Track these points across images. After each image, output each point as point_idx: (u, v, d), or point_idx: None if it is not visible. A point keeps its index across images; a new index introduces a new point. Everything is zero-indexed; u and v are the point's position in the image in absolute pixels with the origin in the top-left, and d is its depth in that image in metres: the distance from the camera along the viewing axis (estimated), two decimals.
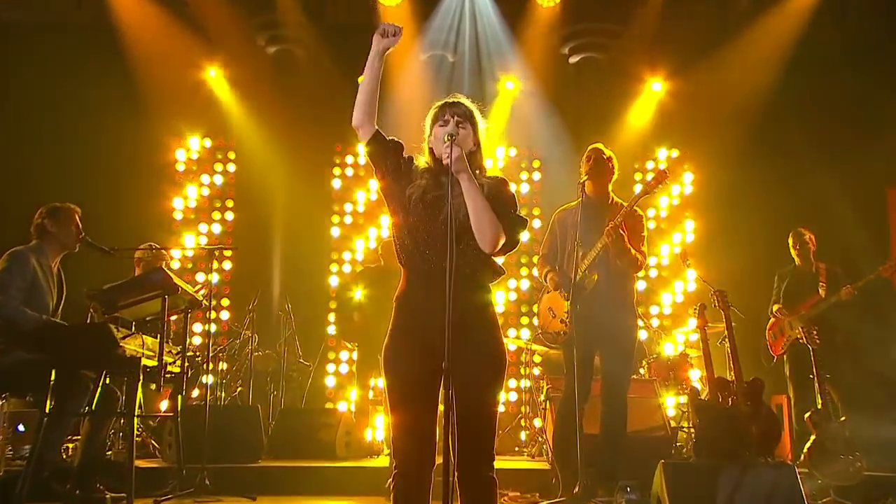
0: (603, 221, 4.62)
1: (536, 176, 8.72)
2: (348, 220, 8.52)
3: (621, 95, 8.39)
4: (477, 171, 2.74)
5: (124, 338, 4.32)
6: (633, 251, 4.57)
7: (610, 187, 4.81)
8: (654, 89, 8.56)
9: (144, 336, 4.49)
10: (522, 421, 7.27)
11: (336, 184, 8.56)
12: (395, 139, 2.75)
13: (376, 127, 2.69)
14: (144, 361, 4.38)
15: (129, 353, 4.31)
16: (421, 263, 2.66)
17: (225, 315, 8.19)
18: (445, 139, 2.59)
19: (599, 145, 4.88)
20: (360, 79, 2.75)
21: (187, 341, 4.87)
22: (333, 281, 8.37)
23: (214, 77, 8.44)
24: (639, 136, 8.44)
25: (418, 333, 2.62)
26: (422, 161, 2.75)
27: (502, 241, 2.65)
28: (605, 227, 4.50)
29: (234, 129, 8.35)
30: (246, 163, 8.34)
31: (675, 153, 8.67)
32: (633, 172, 8.43)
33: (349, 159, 8.67)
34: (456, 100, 2.78)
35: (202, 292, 5.32)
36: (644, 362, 6.69)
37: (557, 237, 4.79)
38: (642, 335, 6.73)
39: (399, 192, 2.72)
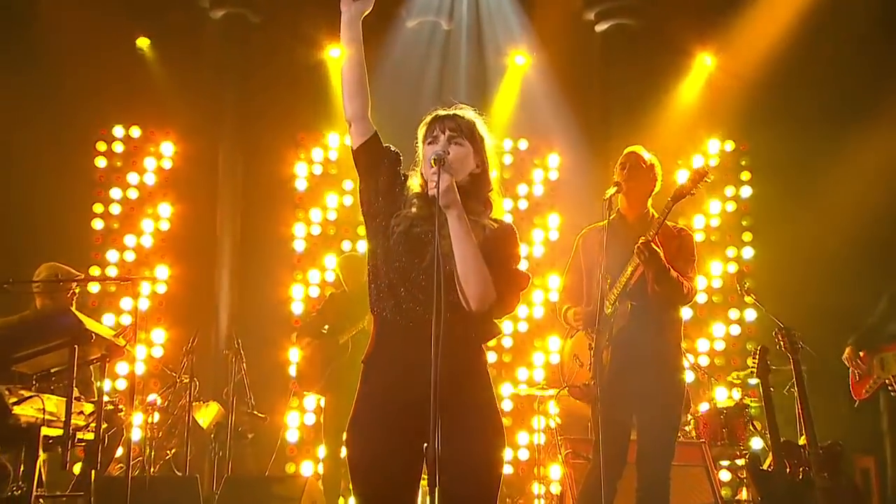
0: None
1: (553, 175, 8.70)
2: (316, 230, 8.52)
3: (661, 73, 8.41)
4: (480, 207, 2.76)
5: (20, 402, 4.27)
6: (674, 274, 4.53)
7: (650, 202, 4.76)
8: (704, 64, 8.58)
9: (47, 396, 4.42)
10: (536, 484, 7.02)
11: (300, 185, 8.56)
12: (393, 149, 2.80)
13: (374, 128, 2.75)
14: (46, 430, 4.34)
15: (24, 421, 4.28)
16: (399, 316, 2.68)
17: (158, 351, 8.12)
18: (432, 163, 2.61)
19: (638, 148, 4.81)
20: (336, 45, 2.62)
21: (104, 398, 4.80)
22: (296, 308, 8.30)
23: (146, 51, 8.43)
24: (683, 124, 8.47)
25: (393, 408, 2.63)
26: (415, 183, 2.77)
27: (491, 301, 2.67)
28: (636, 245, 4.48)
29: (171, 114, 8.36)
30: (186, 158, 8.39)
31: (729, 145, 8.67)
32: (675, 170, 8.34)
33: (316, 153, 8.61)
34: (450, 112, 2.81)
35: (132, 328, 5.28)
36: (689, 417, 6.52)
37: (582, 265, 4.79)
38: (688, 376, 6.55)
39: (384, 218, 2.75)
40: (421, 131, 2.82)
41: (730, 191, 8.64)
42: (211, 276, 8.09)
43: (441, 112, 2.83)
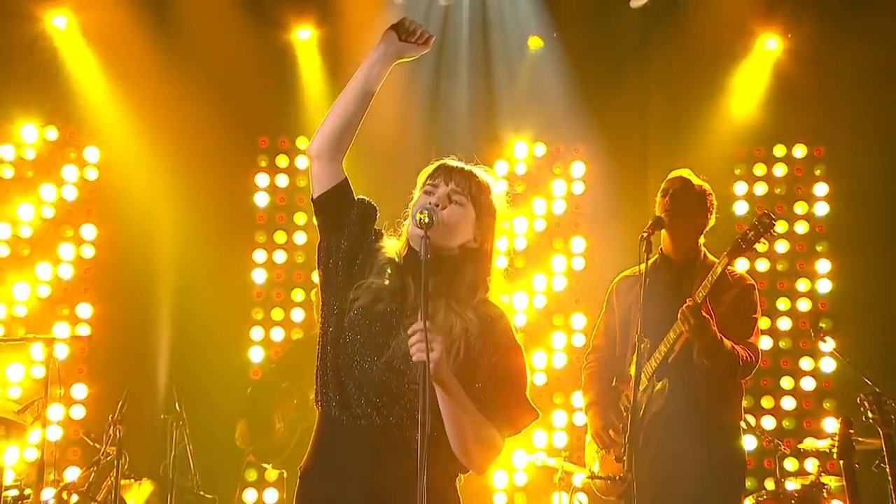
0: (689, 295, 4.63)
1: (578, 188, 8.57)
2: (280, 256, 8.45)
3: (714, 59, 8.34)
4: (464, 291, 2.75)
5: None
6: (728, 345, 4.54)
7: (702, 240, 4.84)
8: (768, 48, 8.48)
9: None
10: None
11: (261, 199, 8.49)
12: (367, 200, 2.84)
13: (345, 174, 2.79)
14: None
15: None
16: (347, 417, 2.67)
17: (78, 411, 8.03)
18: (418, 217, 2.62)
19: (685, 172, 4.90)
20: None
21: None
22: (255, 355, 8.22)
23: (63, 30, 8.33)
24: (742, 123, 8.39)
25: None
26: (389, 244, 2.80)
27: (496, 457, 2.75)
28: (681, 310, 4.54)
29: (95, 111, 8.31)
30: (114, 166, 8.32)
31: (799, 150, 8.56)
32: (732, 183, 8.32)
33: (281, 161, 8.59)
34: (462, 165, 2.83)
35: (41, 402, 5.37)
36: (753, 501, 6.36)
37: (616, 324, 4.89)
38: (747, 443, 6.56)
39: (342, 287, 2.76)
40: (421, 178, 2.86)
41: (800, 208, 8.54)
42: (146, 316, 8.07)
43: (451, 162, 2.87)
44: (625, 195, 7.96)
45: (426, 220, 2.62)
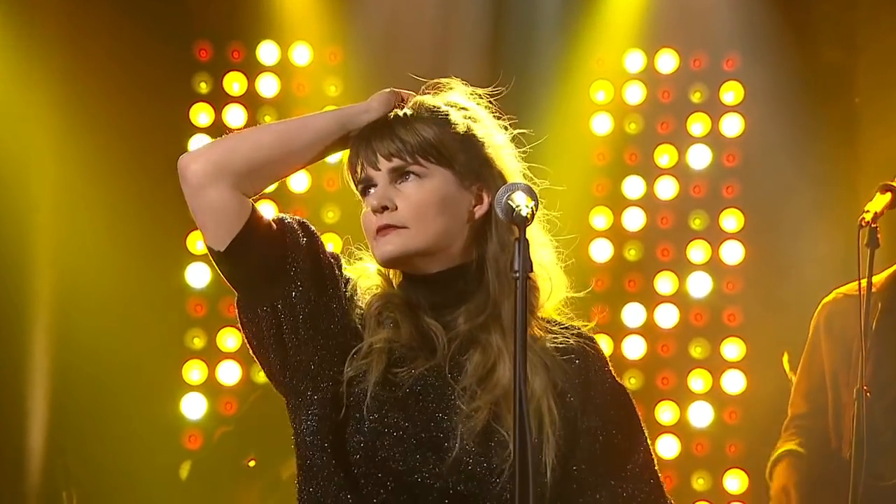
0: None
1: (732, 126, 6.46)
2: None
3: None
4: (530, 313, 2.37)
5: None
6: None
7: None
8: None
9: None
10: None
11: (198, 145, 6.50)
12: (302, 221, 2.46)
13: (249, 199, 2.42)
14: None
15: None
16: None
17: None
18: (510, 206, 2.15)
19: None
20: None
21: None
22: (193, 408, 6.53)
23: None
24: None
25: None
26: (366, 274, 2.44)
27: None
28: None
29: None
30: None
31: None
32: None
33: (233, 84, 6.77)
34: (379, 135, 2.40)
35: None
36: None
37: (825, 364, 4.39)
38: None
39: (321, 364, 2.37)
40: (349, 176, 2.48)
41: None
42: (9, 345, 6.42)
43: (364, 136, 2.40)
44: (816, 148, 6.21)
45: (522, 209, 2.05)
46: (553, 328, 2.34)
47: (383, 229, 2.25)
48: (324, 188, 6.34)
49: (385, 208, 2.27)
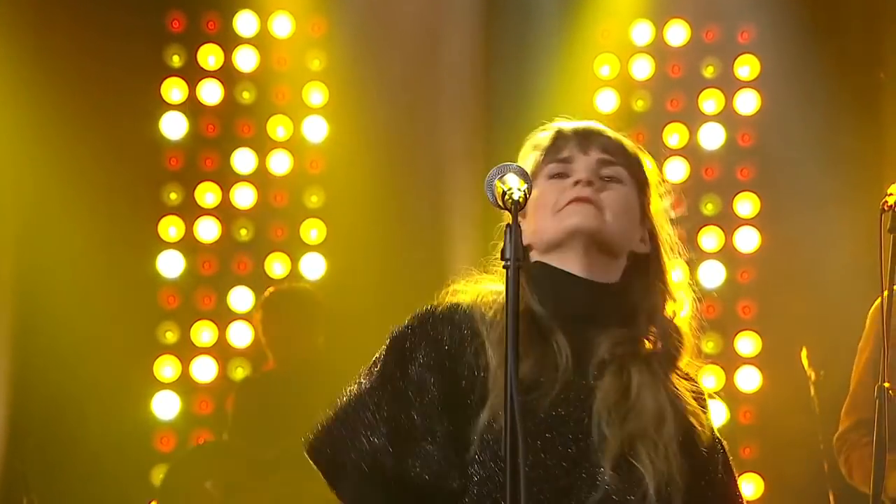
0: None
1: (746, 104, 6.40)
2: (209, 228, 6.83)
3: None
4: (653, 337, 2.30)
5: None
6: None
7: None
8: None
9: None
10: None
11: (173, 126, 6.57)
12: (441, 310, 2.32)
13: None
14: None
15: None
16: None
17: None
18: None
19: None
20: None
21: None
22: (165, 407, 6.37)
23: None
24: None
25: None
26: (486, 299, 2.31)
27: None
28: None
29: None
30: None
31: None
32: None
33: (209, 58, 6.60)
34: (590, 126, 2.37)
35: None
36: None
37: (872, 374, 4.12)
38: None
39: (464, 422, 2.24)
40: (528, 158, 2.33)
41: None
42: None
43: (570, 125, 2.34)
44: (837, 127, 6.07)
45: (515, 192, 2.04)
46: (683, 375, 2.34)
47: (584, 200, 2.23)
48: (306, 170, 6.11)
49: (592, 184, 2.26)
